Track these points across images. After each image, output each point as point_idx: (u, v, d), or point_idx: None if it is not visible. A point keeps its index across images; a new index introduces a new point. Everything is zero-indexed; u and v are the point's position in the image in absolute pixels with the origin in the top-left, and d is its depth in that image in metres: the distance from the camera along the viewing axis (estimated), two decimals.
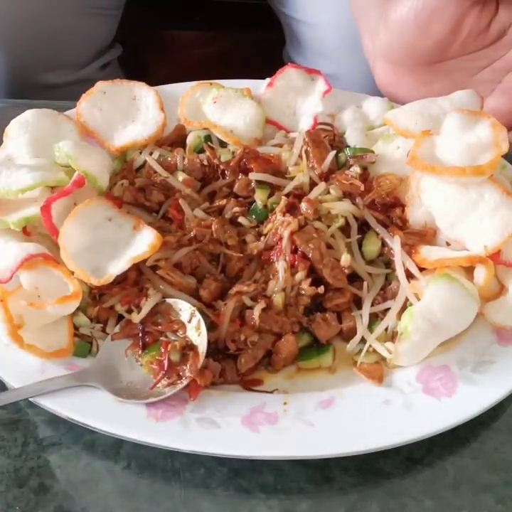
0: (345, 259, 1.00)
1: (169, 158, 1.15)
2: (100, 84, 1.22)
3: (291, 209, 1.05)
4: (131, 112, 1.22)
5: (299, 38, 1.66)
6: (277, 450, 0.85)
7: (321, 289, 0.99)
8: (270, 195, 1.08)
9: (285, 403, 0.91)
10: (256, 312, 0.96)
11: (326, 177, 1.10)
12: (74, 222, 0.98)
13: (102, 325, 0.98)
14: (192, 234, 1.02)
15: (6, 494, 0.85)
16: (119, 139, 1.19)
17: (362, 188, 1.06)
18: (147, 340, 0.95)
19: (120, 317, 0.99)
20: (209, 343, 0.94)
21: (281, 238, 1.02)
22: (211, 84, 1.25)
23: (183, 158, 1.14)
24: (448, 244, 1.03)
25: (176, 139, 1.22)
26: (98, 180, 1.04)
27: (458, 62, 1.22)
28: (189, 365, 0.91)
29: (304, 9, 1.59)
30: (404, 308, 0.97)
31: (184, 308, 0.97)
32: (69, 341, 0.94)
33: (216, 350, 0.96)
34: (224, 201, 1.08)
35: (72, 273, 0.95)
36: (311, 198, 1.05)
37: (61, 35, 1.55)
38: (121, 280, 0.98)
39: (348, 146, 1.17)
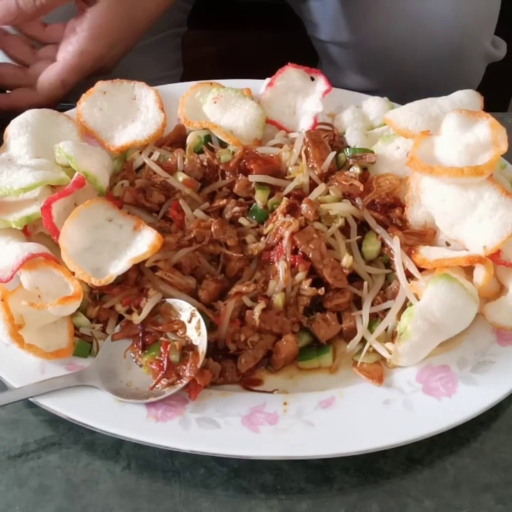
0: (347, 260, 1.00)
1: (169, 159, 1.15)
2: (100, 84, 1.21)
3: (292, 210, 1.05)
4: (131, 112, 1.22)
5: (336, 60, 1.66)
6: (277, 450, 0.86)
7: (322, 291, 0.99)
8: (270, 196, 1.08)
9: (285, 403, 0.91)
10: (256, 312, 0.96)
11: (325, 177, 1.10)
12: (74, 222, 0.98)
13: (102, 325, 0.98)
14: (192, 235, 1.02)
15: (6, 494, 0.85)
16: (119, 139, 1.19)
17: (361, 188, 1.06)
18: (147, 340, 0.95)
19: (120, 317, 0.99)
20: (209, 343, 0.94)
21: (281, 238, 1.02)
22: (211, 84, 1.25)
23: (183, 158, 1.13)
24: (448, 244, 1.03)
25: (176, 139, 1.21)
26: (98, 180, 1.04)
27: None
28: (189, 365, 0.91)
29: (336, 31, 1.59)
30: (404, 308, 0.98)
31: (184, 309, 0.97)
32: (69, 341, 0.94)
33: (216, 350, 0.96)
34: (224, 201, 1.08)
35: (73, 273, 0.95)
36: (312, 199, 1.05)
37: None
38: (121, 280, 0.99)
39: (348, 146, 1.17)
